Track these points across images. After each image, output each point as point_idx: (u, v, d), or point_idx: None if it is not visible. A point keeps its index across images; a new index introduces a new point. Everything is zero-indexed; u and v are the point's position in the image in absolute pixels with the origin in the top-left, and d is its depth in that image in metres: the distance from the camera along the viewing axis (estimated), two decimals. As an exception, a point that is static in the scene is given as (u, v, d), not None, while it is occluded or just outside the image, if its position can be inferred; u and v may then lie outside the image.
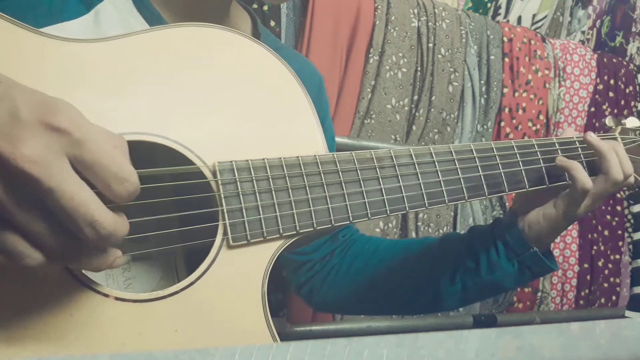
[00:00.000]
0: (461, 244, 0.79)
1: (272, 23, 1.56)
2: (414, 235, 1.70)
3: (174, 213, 0.53)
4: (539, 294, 1.93)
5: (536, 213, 0.72)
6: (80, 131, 0.38)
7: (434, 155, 0.61)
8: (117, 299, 0.46)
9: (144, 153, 0.48)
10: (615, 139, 0.76)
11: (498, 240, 0.75)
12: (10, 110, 0.37)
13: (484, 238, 0.76)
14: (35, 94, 0.39)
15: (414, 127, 1.75)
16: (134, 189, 0.41)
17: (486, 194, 0.64)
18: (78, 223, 0.38)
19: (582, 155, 0.72)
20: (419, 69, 1.74)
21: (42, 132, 0.37)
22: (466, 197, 0.63)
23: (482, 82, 1.87)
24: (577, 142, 0.72)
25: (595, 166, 0.72)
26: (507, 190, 0.66)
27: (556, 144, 0.71)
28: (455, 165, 0.63)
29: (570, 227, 2.01)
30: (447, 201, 0.61)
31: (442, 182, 0.61)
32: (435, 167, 0.61)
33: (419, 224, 1.71)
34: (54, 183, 0.37)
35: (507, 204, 1.89)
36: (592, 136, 0.71)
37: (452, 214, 1.78)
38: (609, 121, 0.80)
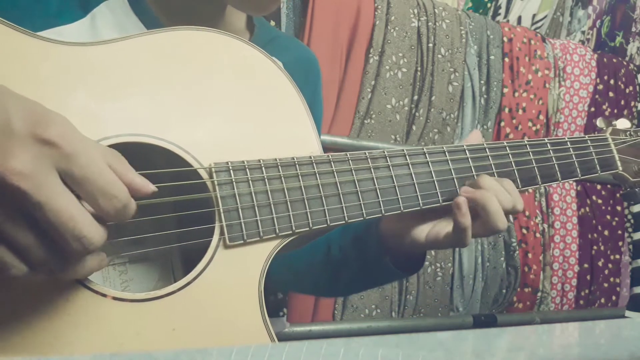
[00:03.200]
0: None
1: (272, 23, 1.56)
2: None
3: (170, 214, 0.53)
4: (539, 294, 1.93)
5: (401, 230, 0.66)
6: (70, 145, 0.38)
7: (427, 155, 0.62)
8: (114, 298, 0.46)
9: (140, 155, 0.48)
10: (606, 139, 0.76)
11: (357, 243, 0.72)
12: (3, 121, 0.37)
13: (353, 236, 0.74)
14: (28, 104, 0.39)
15: (414, 127, 1.74)
16: (121, 206, 0.41)
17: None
18: (65, 237, 0.38)
19: (574, 156, 0.72)
20: (419, 69, 1.74)
21: (32, 145, 0.37)
22: None
23: (482, 82, 1.87)
24: (568, 143, 0.73)
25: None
26: None
27: (548, 144, 0.71)
28: (449, 165, 0.63)
29: (570, 227, 2.01)
30: (441, 201, 0.61)
31: (435, 182, 0.61)
32: (429, 168, 0.62)
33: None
34: (42, 197, 0.37)
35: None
36: (464, 194, 0.61)
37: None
38: (599, 122, 0.81)
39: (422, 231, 0.65)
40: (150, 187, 0.43)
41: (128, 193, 0.41)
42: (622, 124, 0.79)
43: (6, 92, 0.39)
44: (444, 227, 0.63)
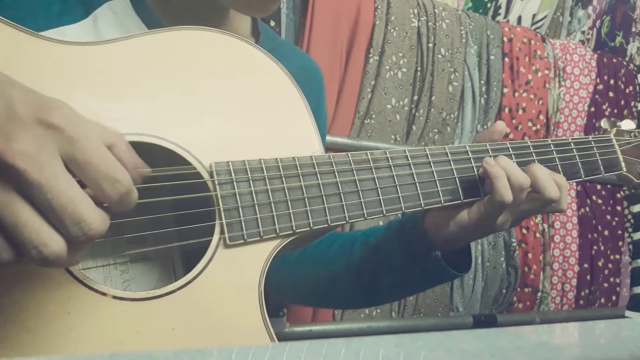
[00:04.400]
0: (371, 239, 0.75)
1: (272, 23, 1.56)
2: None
3: (171, 213, 0.53)
4: (539, 294, 1.93)
5: (445, 217, 0.65)
6: (73, 129, 0.38)
7: (429, 156, 0.62)
8: (114, 297, 0.46)
9: (141, 154, 0.48)
10: (610, 140, 0.76)
11: (401, 240, 0.71)
12: (6, 105, 0.37)
13: (392, 235, 0.73)
14: (32, 92, 0.39)
15: (414, 127, 1.74)
16: (125, 191, 0.40)
17: (482, 194, 0.64)
18: (64, 221, 0.38)
19: (577, 157, 0.72)
20: (419, 69, 1.74)
21: (36, 128, 0.37)
22: (462, 198, 0.63)
23: (482, 82, 1.87)
24: (572, 144, 0.72)
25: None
26: None
27: (551, 145, 0.71)
28: (451, 165, 0.63)
29: (570, 227, 2.01)
30: (442, 201, 0.61)
31: (437, 182, 0.61)
32: (431, 168, 0.61)
33: (419, 224, 1.71)
34: (42, 178, 0.37)
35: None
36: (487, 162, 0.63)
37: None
38: (604, 123, 0.80)
39: (465, 213, 0.64)
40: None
41: (130, 178, 0.41)
42: (627, 124, 0.79)
43: (8, 80, 0.40)
44: (482, 200, 0.63)
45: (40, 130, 0.37)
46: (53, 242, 0.38)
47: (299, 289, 0.84)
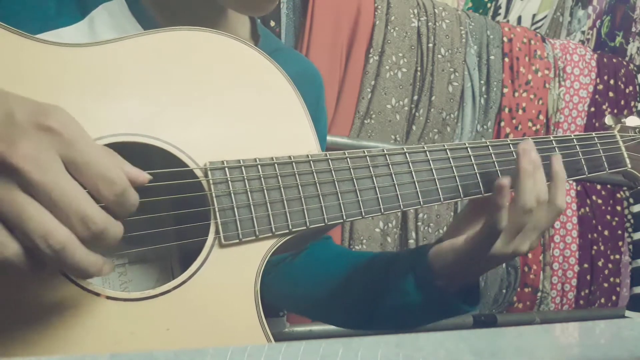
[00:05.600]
0: (381, 264, 0.73)
1: (272, 23, 1.56)
2: (414, 235, 1.69)
3: (166, 213, 0.53)
4: (539, 294, 1.93)
5: (449, 243, 0.63)
6: (70, 132, 0.40)
7: (428, 153, 0.61)
8: (108, 298, 0.46)
9: (136, 154, 0.48)
10: (614, 137, 0.75)
11: (410, 268, 0.67)
12: (5, 113, 0.39)
13: (402, 262, 0.70)
14: (28, 99, 0.41)
15: (414, 127, 1.74)
16: (121, 191, 0.41)
17: (482, 191, 0.64)
18: (69, 217, 0.39)
19: (580, 153, 0.71)
20: (418, 69, 1.74)
21: (35, 132, 0.39)
22: (462, 195, 0.62)
23: (482, 82, 1.87)
24: (574, 140, 0.71)
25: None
26: None
27: (553, 142, 0.70)
28: (450, 163, 0.62)
29: (570, 227, 2.01)
30: (442, 199, 0.61)
31: (436, 180, 0.61)
32: (430, 165, 0.61)
33: (419, 224, 1.71)
34: (46, 178, 0.38)
35: (507, 204, 1.89)
36: (525, 146, 0.62)
37: (452, 213, 1.78)
38: (608, 120, 0.79)
39: (461, 237, 0.62)
40: (145, 176, 0.44)
41: (127, 179, 0.42)
42: (632, 121, 0.78)
43: (4, 91, 0.41)
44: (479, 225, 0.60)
45: (39, 134, 0.39)
46: (58, 232, 0.39)
47: (300, 304, 0.83)
